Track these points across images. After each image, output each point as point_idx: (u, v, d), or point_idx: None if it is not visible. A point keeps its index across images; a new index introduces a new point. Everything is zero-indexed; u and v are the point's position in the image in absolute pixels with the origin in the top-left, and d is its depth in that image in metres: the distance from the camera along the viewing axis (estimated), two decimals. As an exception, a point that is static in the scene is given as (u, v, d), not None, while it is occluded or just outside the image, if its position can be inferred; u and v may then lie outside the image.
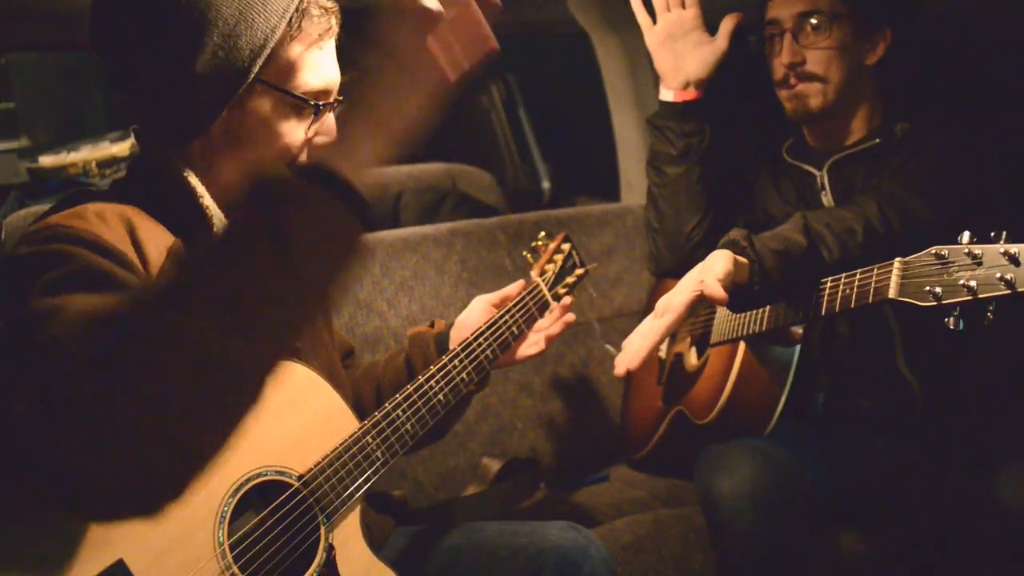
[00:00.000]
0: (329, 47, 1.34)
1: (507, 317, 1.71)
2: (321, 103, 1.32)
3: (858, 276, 1.60)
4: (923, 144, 1.91)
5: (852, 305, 1.60)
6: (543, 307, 1.79)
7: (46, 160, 2.99)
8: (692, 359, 2.11)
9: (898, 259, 1.52)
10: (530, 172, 3.74)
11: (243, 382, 0.91)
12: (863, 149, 1.97)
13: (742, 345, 1.89)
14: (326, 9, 1.32)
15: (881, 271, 1.55)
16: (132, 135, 3.01)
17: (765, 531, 1.74)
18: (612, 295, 2.63)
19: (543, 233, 1.94)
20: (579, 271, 1.90)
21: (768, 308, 1.79)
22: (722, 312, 1.99)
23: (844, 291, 1.62)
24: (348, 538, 1.38)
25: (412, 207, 2.93)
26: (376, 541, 1.45)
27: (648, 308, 2.46)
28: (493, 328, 1.66)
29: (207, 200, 1.29)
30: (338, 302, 0.91)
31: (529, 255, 1.91)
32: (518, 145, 3.76)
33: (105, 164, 2.90)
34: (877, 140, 1.95)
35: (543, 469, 2.28)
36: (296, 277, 0.90)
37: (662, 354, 2.26)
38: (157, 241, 1.24)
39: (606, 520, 2.05)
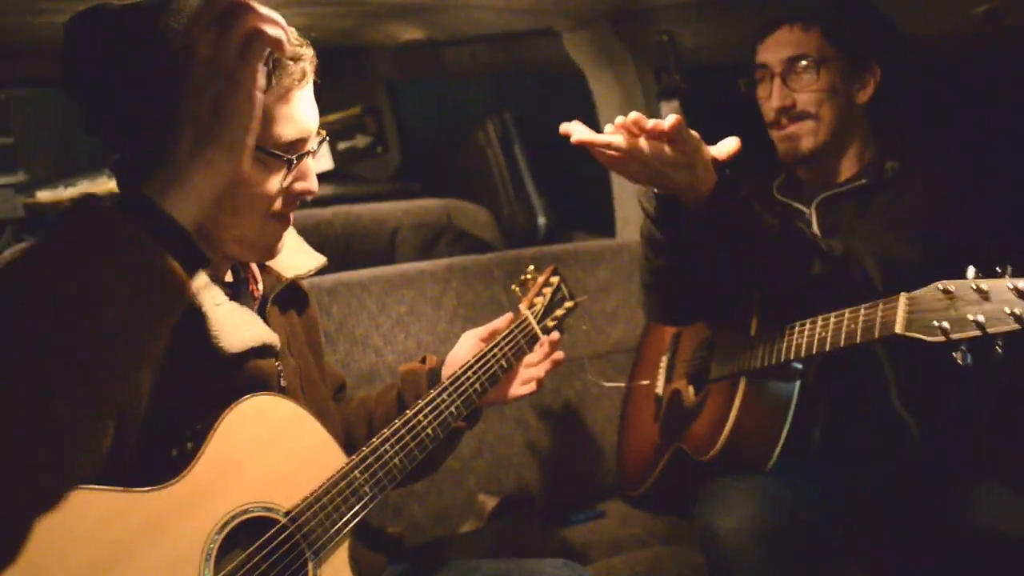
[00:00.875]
0: (304, 95, 1.31)
1: (495, 350, 1.71)
2: (295, 155, 1.30)
3: (863, 311, 1.60)
4: (912, 184, 1.92)
5: (858, 340, 1.59)
6: (532, 340, 1.79)
7: (43, 195, 3.00)
8: (690, 395, 2.11)
9: (903, 293, 1.52)
10: (526, 208, 3.76)
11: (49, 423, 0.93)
12: (852, 188, 1.98)
13: (743, 381, 1.89)
14: (298, 58, 1.29)
15: (887, 306, 1.55)
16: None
17: (765, 569, 1.73)
18: (608, 331, 2.63)
19: (532, 267, 1.94)
20: (568, 304, 1.90)
21: (770, 345, 1.80)
22: (721, 348, 1.99)
23: (849, 326, 1.62)
24: (336, 574, 1.37)
25: (409, 243, 2.94)
26: (367, 578, 1.44)
27: (644, 344, 2.47)
28: (481, 362, 1.66)
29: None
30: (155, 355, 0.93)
31: (518, 288, 1.91)
32: (514, 181, 3.78)
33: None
34: (864, 180, 1.97)
35: (539, 506, 2.26)
36: (93, 316, 0.92)
37: (659, 391, 2.25)
38: None
39: (603, 557, 2.04)
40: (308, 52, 1.32)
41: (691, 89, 2.71)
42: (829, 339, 1.66)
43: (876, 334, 1.55)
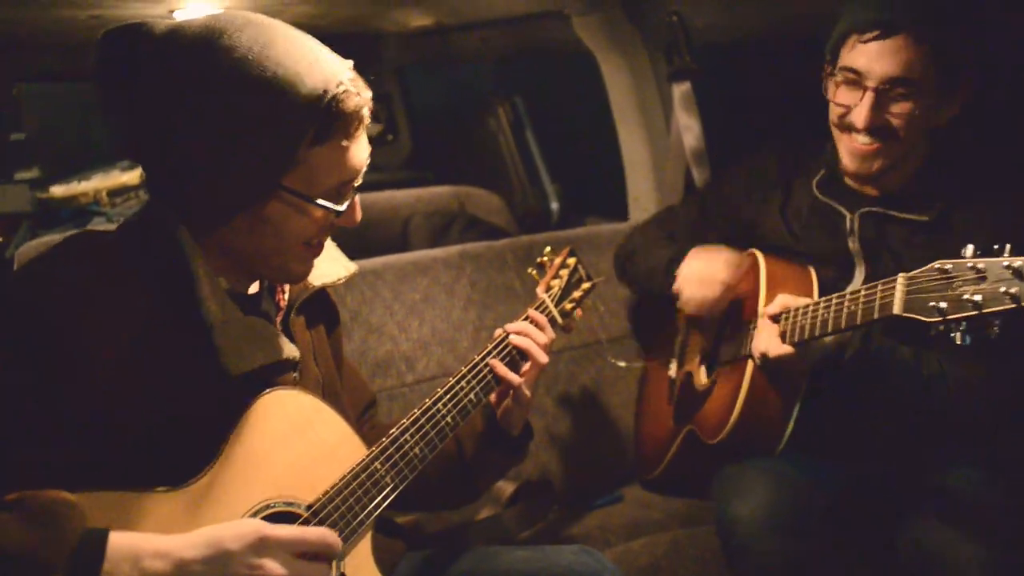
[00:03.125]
0: (359, 138, 1.29)
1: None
2: (344, 199, 1.31)
3: (863, 292, 1.59)
4: (976, 227, 1.76)
5: (858, 321, 1.59)
6: (550, 322, 1.76)
7: (57, 190, 3.01)
8: (702, 378, 2.10)
9: (902, 274, 1.50)
10: (538, 193, 3.75)
11: None
12: (905, 219, 1.85)
13: (750, 363, 1.88)
14: (356, 109, 1.26)
15: (886, 287, 1.54)
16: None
17: (781, 555, 1.73)
18: (622, 315, 2.62)
19: (548, 248, 1.92)
20: (585, 285, 1.88)
21: (791, 316, 1.78)
22: (731, 330, 1.98)
23: (849, 307, 1.61)
24: (360, 566, 1.37)
25: (421, 230, 2.94)
26: (386, 566, 1.44)
27: (657, 327, 2.46)
28: (500, 347, 1.64)
29: (204, 292, 1.25)
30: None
31: (535, 271, 1.89)
32: (526, 167, 3.78)
33: (116, 193, 2.92)
34: (914, 215, 1.84)
35: (556, 491, 2.26)
36: None
37: (672, 373, 2.25)
38: (121, 319, 1.21)
39: (622, 542, 2.04)
40: (367, 98, 1.28)
41: (702, 69, 2.69)
42: (831, 321, 1.64)
43: (876, 315, 1.54)
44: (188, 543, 1.12)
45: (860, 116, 1.77)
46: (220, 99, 1.19)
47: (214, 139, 1.20)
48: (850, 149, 1.84)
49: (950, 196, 1.83)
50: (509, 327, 1.66)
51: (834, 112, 1.85)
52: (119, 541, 1.08)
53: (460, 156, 4.08)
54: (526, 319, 1.70)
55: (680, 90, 2.71)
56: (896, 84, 1.73)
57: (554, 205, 3.72)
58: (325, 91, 1.22)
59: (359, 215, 1.36)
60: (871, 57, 1.73)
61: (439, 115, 4.40)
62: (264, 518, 1.26)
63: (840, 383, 1.84)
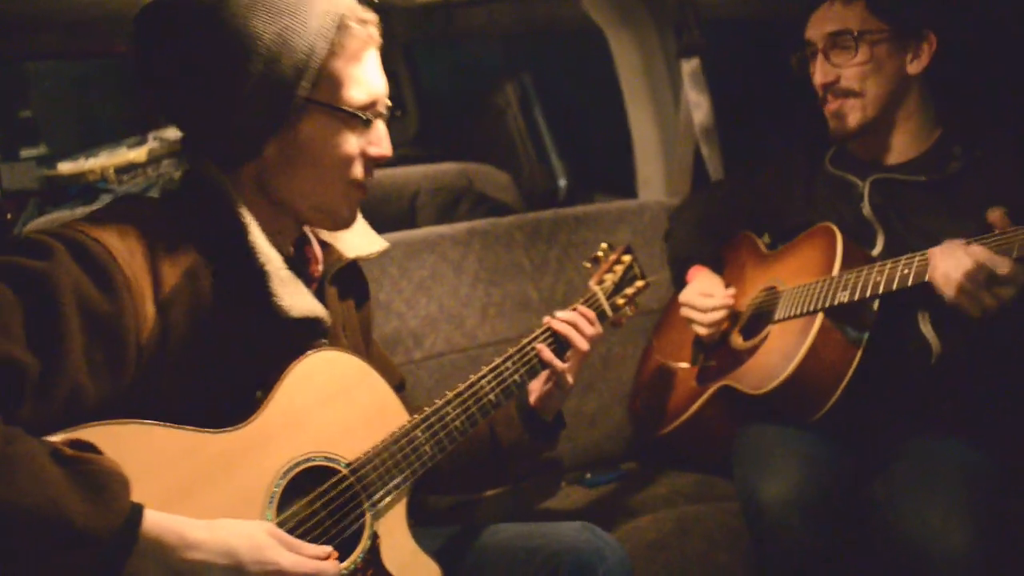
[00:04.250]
0: (371, 58, 1.36)
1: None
2: (370, 115, 1.35)
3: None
4: (982, 180, 1.86)
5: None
6: (600, 317, 1.77)
7: (64, 167, 3.01)
8: (739, 340, 2.11)
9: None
10: (546, 170, 3.74)
11: None
12: (913, 181, 1.93)
13: (820, 316, 1.88)
14: (364, 21, 1.33)
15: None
16: (150, 141, 3.03)
17: (811, 539, 1.73)
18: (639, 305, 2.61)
19: (605, 245, 1.93)
20: (639, 283, 1.89)
21: (855, 281, 1.81)
22: (791, 291, 1.99)
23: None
24: (393, 528, 1.40)
25: (429, 207, 2.94)
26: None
27: (668, 319, 2.46)
28: (546, 333, 1.66)
29: (254, 237, 1.30)
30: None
31: (589, 265, 1.90)
32: (534, 144, 3.76)
33: (123, 170, 2.92)
34: (924, 177, 1.91)
35: (564, 468, 2.27)
36: None
37: (701, 332, 2.22)
38: (180, 267, 1.25)
39: (628, 518, 2.05)
40: (374, 17, 1.35)
41: (711, 45, 2.67)
42: (912, 275, 1.68)
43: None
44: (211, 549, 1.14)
45: (816, 76, 1.96)
46: (234, 30, 1.25)
47: (235, 67, 1.25)
48: (827, 114, 1.98)
49: (964, 160, 1.89)
50: (556, 314, 1.68)
51: (815, 91, 2.01)
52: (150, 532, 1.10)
53: (468, 133, 4.07)
54: (574, 310, 1.72)
55: (689, 66, 2.69)
56: (835, 38, 1.91)
57: (562, 182, 3.71)
58: (334, 3, 1.30)
59: (389, 147, 1.40)
60: (814, 24, 1.96)
61: (447, 92, 4.39)
62: (304, 471, 1.30)
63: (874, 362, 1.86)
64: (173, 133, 3.03)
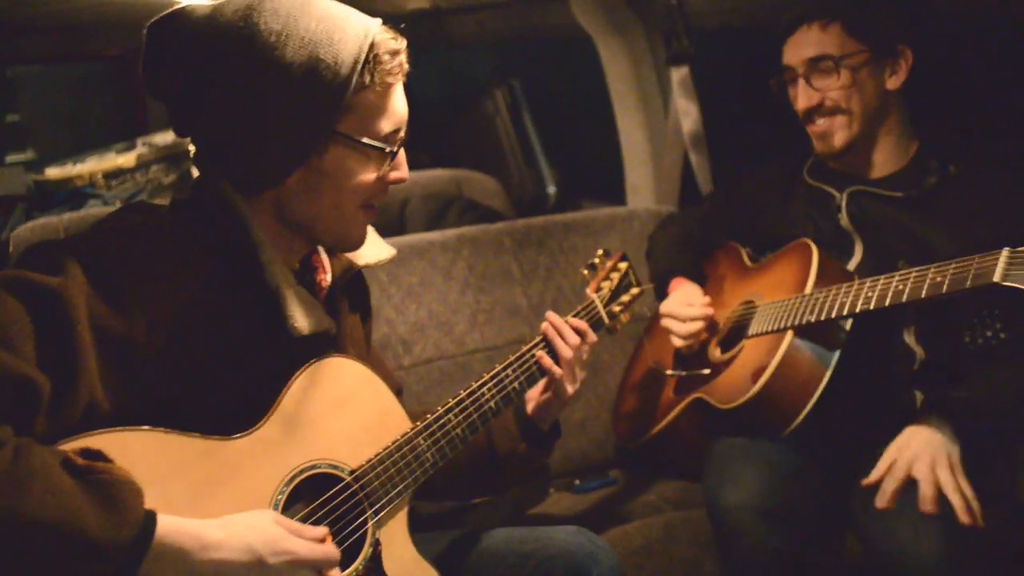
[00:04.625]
0: (399, 87, 1.36)
1: None
2: (395, 147, 1.35)
3: (952, 266, 1.60)
4: (960, 194, 1.87)
5: (944, 291, 1.60)
6: (597, 324, 1.79)
7: (52, 172, 3.00)
8: (716, 354, 2.12)
9: (1007, 248, 1.53)
10: (535, 177, 3.75)
11: None
12: (890, 196, 1.94)
13: (789, 334, 1.89)
14: (395, 52, 1.32)
15: (985, 259, 1.55)
16: (139, 146, 3.01)
17: (771, 541, 1.74)
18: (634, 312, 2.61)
19: (601, 251, 1.94)
20: (635, 290, 1.90)
21: (830, 299, 1.81)
22: (767, 306, 2.00)
23: (934, 278, 1.62)
24: (394, 535, 1.41)
25: (418, 214, 2.94)
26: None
27: (653, 329, 2.47)
28: (546, 340, 1.67)
29: (267, 256, 1.29)
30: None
31: (586, 272, 1.91)
32: (523, 150, 3.77)
33: (111, 175, 2.91)
34: (901, 193, 1.92)
35: (552, 474, 2.27)
36: None
37: (679, 343, 2.24)
38: (182, 275, 1.25)
39: (616, 524, 2.05)
40: (403, 44, 1.35)
41: (701, 53, 2.68)
42: (907, 292, 1.66)
43: (968, 284, 1.56)
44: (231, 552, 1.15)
45: (799, 100, 1.97)
46: (267, 59, 1.24)
47: (266, 99, 1.25)
48: (812, 135, 2.01)
49: (940, 175, 1.91)
50: (548, 315, 1.69)
51: (797, 113, 2.01)
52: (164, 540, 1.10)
53: (457, 140, 4.07)
54: (579, 317, 1.74)
55: (679, 74, 2.70)
56: (816, 63, 1.93)
57: (551, 189, 3.71)
58: (365, 35, 1.29)
59: (407, 171, 1.41)
60: (792, 50, 1.97)
61: (436, 99, 4.39)
62: (308, 478, 1.31)
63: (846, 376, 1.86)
64: (162, 138, 3.02)
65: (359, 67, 1.28)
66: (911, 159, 1.97)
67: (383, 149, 1.33)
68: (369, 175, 1.34)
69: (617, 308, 1.85)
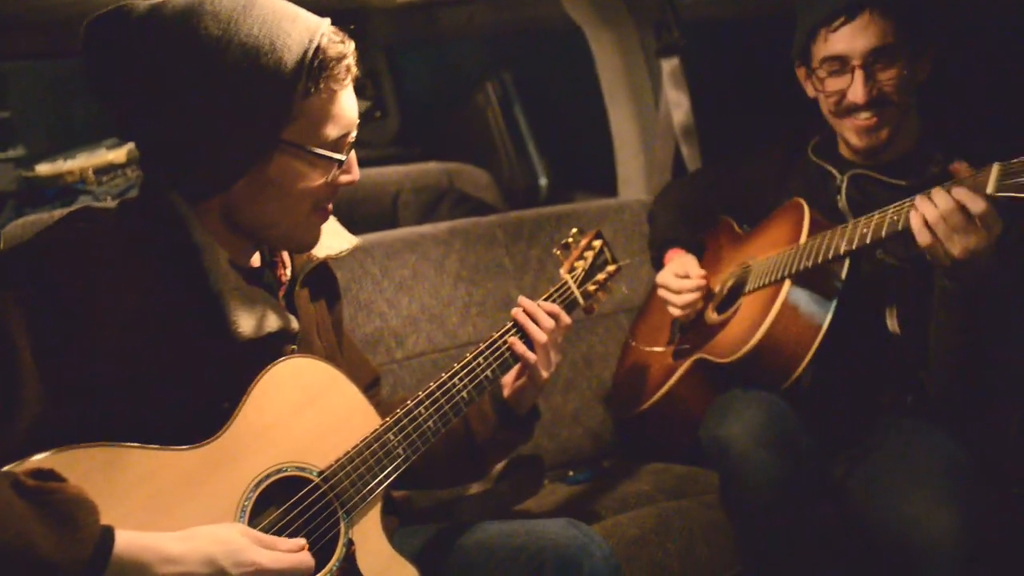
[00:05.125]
0: (347, 91, 1.32)
1: None
2: (343, 154, 1.32)
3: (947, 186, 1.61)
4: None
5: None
6: (571, 305, 1.76)
7: (43, 168, 2.99)
8: (713, 317, 2.14)
9: (996, 162, 1.54)
10: (527, 169, 3.74)
11: None
12: (893, 184, 1.93)
13: (787, 282, 1.90)
14: (340, 57, 1.28)
15: (977, 173, 1.57)
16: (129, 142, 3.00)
17: (775, 468, 1.76)
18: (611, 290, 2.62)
19: (575, 230, 1.91)
20: (611, 268, 1.87)
21: (824, 241, 1.82)
22: (760, 264, 2.02)
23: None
24: (368, 534, 1.40)
25: (410, 207, 2.94)
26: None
27: (649, 305, 2.48)
28: (517, 327, 1.65)
29: (210, 261, 1.27)
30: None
31: (559, 252, 1.87)
32: (515, 142, 3.76)
33: (102, 171, 2.90)
34: (904, 182, 1.91)
35: (546, 465, 2.28)
36: None
37: (676, 313, 2.24)
38: (127, 283, 1.23)
39: (610, 515, 2.05)
40: (350, 47, 1.31)
41: (691, 45, 2.68)
42: (901, 221, 1.66)
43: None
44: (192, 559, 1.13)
45: (858, 94, 1.86)
46: (208, 65, 1.21)
47: (208, 105, 1.22)
48: (855, 128, 1.92)
49: (943, 166, 1.89)
50: (520, 300, 1.67)
51: (828, 103, 1.94)
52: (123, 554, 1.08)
53: (449, 132, 4.06)
54: (551, 301, 1.71)
55: (669, 66, 2.70)
56: (878, 54, 1.84)
57: (543, 181, 3.71)
58: (310, 40, 1.25)
59: (357, 173, 1.38)
60: (848, 39, 1.85)
61: (428, 92, 4.38)
62: (276, 482, 1.29)
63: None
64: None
65: (303, 74, 1.24)
66: (914, 146, 1.96)
67: (330, 157, 1.30)
68: (317, 181, 1.32)
69: (592, 287, 1.82)
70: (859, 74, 1.85)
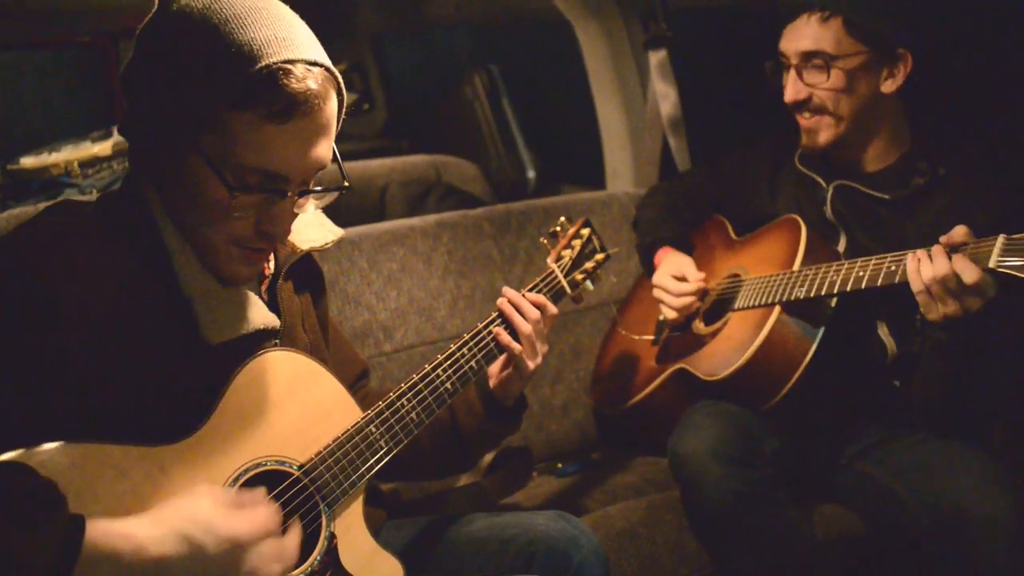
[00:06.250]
0: (296, 131, 1.19)
1: None
2: (249, 191, 1.21)
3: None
4: (947, 198, 1.87)
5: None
6: (558, 294, 1.75)
7: (27, 161, 2.97)
8: (700, 327, 2.14)
9: (1002, 235, 1.56)
10: (515, 162, 3.74)
11: None
12: (878, 198, 1.93)
13: (776, 310, 1.91)
14: (299, 96, 1.17)
15: (982, 242, 1.59)
16: (115, 134, 2.99)
17: (730, 483, 1.77)
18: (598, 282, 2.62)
19: (563, 218, 1.89)
20: (599, 256, 1.86)
21: (819, 277, 1.83)
22: (753, 280, 2.02)
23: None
24: (350, 527, 1.39)
25: (398, 200, 2.93)
26: (371, 532, 1.46)
27: (633, 296, 2.48)
28: (501, 317, 1.64)
29: (179, 264, 1.25)
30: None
31: (547, 241, 1.86)
32: (502, 135, 3.76)
33: (87, 164, 2.87)
34: (887, 195, 1.91)
35: (535, 457, 2.28)
36: None
37: (662, 316, 2.25)
38: (102, 281, 1.21)
39: (599, 507, 2.06)
40: (320, 92, 1.19)
41: (678, 36, 2.68)
42: (899, 272, 1.68)
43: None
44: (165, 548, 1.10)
45: (787, 92, 1.93)
46: (167, 42, 1.20)
47: (157, 83, 1.20)
48: (800, 127, 1.97)
49: (928, 176, 1.90)
50: (505, 291, 1.66)
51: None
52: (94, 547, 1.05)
53: (436, 125, 4.06)
54: (537, 290, 1.70)
55: (656, 58, 2.70)
56: (809, 57, 1.87)
57: (530, 173, 3.71)
58: (267, 55, 1.16)
59: (284, 231, 1.29)
60: (788, 38, 1.91)
61: (415, 84, 4.38)
62: (255, 476, 1.27)
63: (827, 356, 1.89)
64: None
65: (239, 84, 1.15)
66: (900, 158, 1.95)
67: (224, 180, 1.19)
68: (220, 206, 1.21)
69: (580, 276, 1.81)
70: (791, 73, 1.91)
